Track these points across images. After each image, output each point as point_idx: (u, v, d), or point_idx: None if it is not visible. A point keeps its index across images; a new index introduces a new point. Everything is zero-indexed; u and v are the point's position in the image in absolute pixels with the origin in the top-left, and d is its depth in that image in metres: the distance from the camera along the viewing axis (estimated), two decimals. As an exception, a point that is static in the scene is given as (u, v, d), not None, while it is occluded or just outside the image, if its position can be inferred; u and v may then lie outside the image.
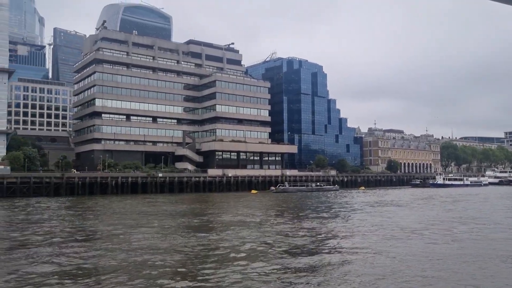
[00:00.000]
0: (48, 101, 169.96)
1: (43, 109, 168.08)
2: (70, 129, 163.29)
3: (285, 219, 40.97)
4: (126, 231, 31.57)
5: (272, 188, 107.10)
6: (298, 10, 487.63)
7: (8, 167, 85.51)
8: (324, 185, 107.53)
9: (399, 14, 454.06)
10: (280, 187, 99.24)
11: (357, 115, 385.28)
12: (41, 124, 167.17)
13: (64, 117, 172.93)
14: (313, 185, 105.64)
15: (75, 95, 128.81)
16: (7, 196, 78.72)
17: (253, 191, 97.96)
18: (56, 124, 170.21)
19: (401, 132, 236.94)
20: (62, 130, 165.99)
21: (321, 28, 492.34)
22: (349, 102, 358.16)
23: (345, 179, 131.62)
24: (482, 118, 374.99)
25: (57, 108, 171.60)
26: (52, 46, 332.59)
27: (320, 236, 29.49)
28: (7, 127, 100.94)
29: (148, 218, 41.77)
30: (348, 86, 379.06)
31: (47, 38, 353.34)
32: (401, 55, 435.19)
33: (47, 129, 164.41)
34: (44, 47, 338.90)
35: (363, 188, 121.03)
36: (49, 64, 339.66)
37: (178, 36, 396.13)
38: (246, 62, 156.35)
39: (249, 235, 29.78)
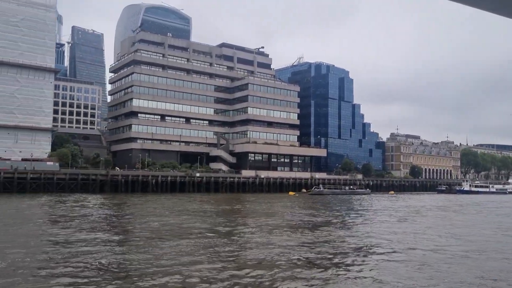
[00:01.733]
0: (77, 99, 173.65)
1: (72, 107, 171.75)
2: (100, 127, 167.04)
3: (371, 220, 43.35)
4: (235, 229, 34.09)
5: (304, 190, 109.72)
6: (314, 14, 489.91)
7: (57, 164, 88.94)
8: (356, 189, 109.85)
9: (416, 20, 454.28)
10: (316, 189, 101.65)
11: (370, 118, 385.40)
12: (70, 121, 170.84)
13: (93, 115, 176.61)
14: (347, 188, 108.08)
15: (111, 95, 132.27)
16: (57, 191, 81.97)
17: (291, 193, 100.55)
18: (85, 122, 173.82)
19: (417, 137, 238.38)
20: (91, 128, 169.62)
21: (336, 32, 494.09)
22: (363, 106, 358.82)
23: (371, 183, 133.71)
24: (497, 125, 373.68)
25: (86, 107, 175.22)
26: (70, 44, 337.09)
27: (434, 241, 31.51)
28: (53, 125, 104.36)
29: (231, 216, 44.39)
30: (361, 89, 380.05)
31: (66, 36, 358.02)
32: (416, 60, 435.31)
33: (76, 127, 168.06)
34: (63, 45, 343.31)
35: (392, 192, 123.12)
36: (67, 62, 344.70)
37: (196, 37, 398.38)
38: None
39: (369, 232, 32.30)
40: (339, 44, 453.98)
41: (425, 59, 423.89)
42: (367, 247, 25.79)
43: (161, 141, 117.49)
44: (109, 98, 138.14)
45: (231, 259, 21.22)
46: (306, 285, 16.58)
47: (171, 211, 48.17)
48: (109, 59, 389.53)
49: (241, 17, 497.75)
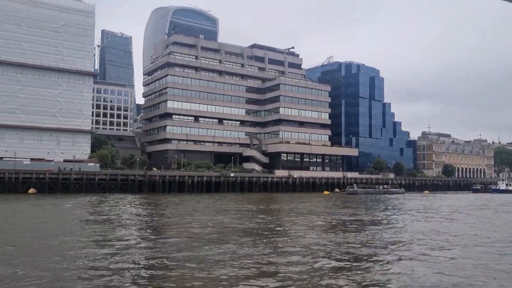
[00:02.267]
0: (110, 101, 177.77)
1: (106, 109, 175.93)
2: (133, 128, 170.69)
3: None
4: (288, 227, 35.18)
5: (337, 190, 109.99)
6: (338, 12, 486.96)
7: (98, 165, 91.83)
8: (390, 188, 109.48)
9: (442, 14, 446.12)
10: (350, 189, 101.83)
11: (397, 116, 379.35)
12: (104, 123, 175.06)
13: (125, 117, 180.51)
14: (381, 187, 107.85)
15: (144, 97, 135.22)
16: (98, 191, 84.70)
17: (325, 192, 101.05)
18: (118, 124, 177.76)
19: (448, 136, 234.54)
20: (123, 129, 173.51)
21: (362, 30, 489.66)
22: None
23: (403, 182, 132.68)
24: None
25: (119, 108, 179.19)
26: (100, 48, 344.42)
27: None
28: (91, 127, 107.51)
29: (278, 215, 45.47)
30: (386, 87, 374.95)
31: (96, 40, 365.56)
32: (443, 55, 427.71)
33: (109, 128, 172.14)
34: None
35: (427, 192, 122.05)
36: (97, 65, 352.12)
37: (223, 38, 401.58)
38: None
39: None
40: (364, 41, 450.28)
41: (453, 54, 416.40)
42: (431, 247, 26.35)
43: (195, 141, 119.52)
44: (142, 100, 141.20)
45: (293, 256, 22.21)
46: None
47: (218, 210, 49.49)
48: (137, 62, 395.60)
49: (266, 17, 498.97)
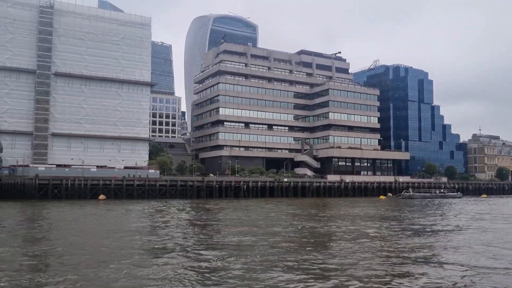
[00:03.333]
0: (159, 109, 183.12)
1: (155, 117, 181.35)
2: (180, 135, 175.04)
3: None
4: (379, 231, 36.23)
5: (389, 194, 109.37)
6: (377, 13, 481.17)
7: (158, 171, 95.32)
8: (447, 192, 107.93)
9: (486, 11, 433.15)
10: (406, 193, 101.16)
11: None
12: (153, 130, 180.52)
13: (174, 124, 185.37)
14: (437, 191, 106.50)
15: (196, 104, 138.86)
16: (159, 197, 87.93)
17: (382, 197, 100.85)
18: (167, 131, 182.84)
19: (497, 137, 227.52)
20: (172, 136, 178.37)
21: (403, 31, 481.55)
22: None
23: (456, 186, 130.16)
24: None
25: (167, 116, 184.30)
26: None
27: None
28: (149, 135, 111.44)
29: (356, 219, 46.49)
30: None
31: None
32: (487, 55, 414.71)
33: (158, 136, 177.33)
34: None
35: (485, 196, 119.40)
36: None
37: (263, 44, 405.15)
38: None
39: None
40: (406, 42, 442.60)
41: (498, 53, 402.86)
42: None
43: (245, 147, 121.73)
44: (190, 108, 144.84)
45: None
46: None
47: (292, 215, 50.87)
48: (176, 70, 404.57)
49: (304, 21, 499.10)
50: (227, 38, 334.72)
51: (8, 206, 62.25)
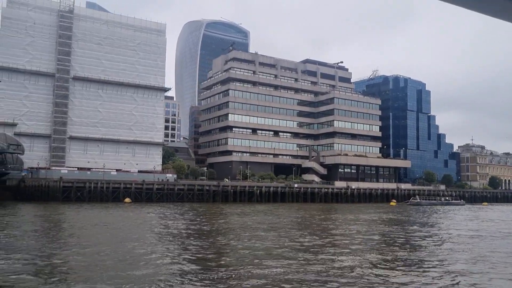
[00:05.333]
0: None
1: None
2: (180, 140, 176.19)
3: None
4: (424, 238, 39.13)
5: (393, 201, 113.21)
6: (368, 22, 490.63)
7: (175, 175, 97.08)
8: (451, 200, 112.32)
9: (476, 21, 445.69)
10: (413, 200, 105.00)
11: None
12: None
13: (174, 129, 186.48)
14: (442, 199, 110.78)
15: (203, 110, 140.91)
16: (177, 201, 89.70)
17: (392, 203, 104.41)
18: (166, 135, 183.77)
19: (482, 147, 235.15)
20: (171, 141, 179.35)
21: (392, 40, 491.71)
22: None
23: (453, 194, 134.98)
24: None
25: (167, 120, 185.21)
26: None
27: None
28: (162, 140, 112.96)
29: (387, 226, 49.44)
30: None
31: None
32: (469, 68, 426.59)
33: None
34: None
35: (486, 203, 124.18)
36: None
37: (254, 49, 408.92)
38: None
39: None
40: (393, 51, 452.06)
41: (479, 68, 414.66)
42: None
43: (252, 153, 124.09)
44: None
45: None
46: None
47: (323, 220, 53.62)
48: (167, 73, 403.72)
49: (295, 28, 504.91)
50: (219, 43, 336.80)
51: (43, 208, 63.39)
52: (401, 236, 37.31)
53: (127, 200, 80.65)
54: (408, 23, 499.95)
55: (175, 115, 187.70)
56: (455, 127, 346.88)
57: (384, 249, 28.96)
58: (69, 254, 24.39)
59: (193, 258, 23.80)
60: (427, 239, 35.52)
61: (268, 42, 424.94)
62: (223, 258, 24.31)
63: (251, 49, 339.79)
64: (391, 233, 39.67)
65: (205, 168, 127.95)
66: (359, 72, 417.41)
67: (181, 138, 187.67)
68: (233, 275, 19.36)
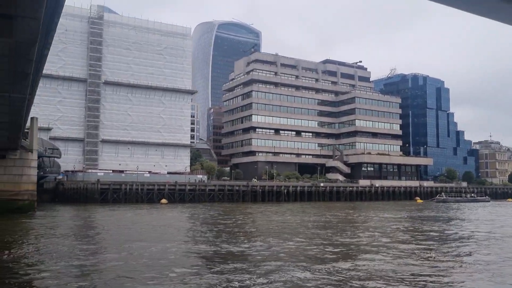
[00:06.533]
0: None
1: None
2: (198, 141, 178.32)
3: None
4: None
5: (417, 198, 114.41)
6: (375, 20, 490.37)
7: (206, 176, 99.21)
8: (476, 197, 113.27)
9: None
10: (439, 197, 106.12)
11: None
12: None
13: (193, 130, 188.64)
14: (468, 196, 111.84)
15: (225, 112, 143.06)
16: (208, 201, 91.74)
17: (419, 200, 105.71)
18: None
19: (497, 143, 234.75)
20: (191, 142, 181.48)
21: (401, 37, 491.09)
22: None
23: (475, 190, 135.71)
24: None
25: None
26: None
27: None
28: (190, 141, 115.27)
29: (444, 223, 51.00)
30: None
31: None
32: (481, 63, 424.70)
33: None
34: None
35: (510, 200, 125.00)
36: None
37: (265, 49, 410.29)
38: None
39: None
40: (404, 48, 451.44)
41: (494, 58, 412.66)
42: None
43: (275, 153, 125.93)
44: (224, 115, 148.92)
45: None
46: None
47: (369, 218, 55.23)
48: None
49: (305, 26, 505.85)
50: (231, 44, 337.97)
51: (90, 209, 65.59)
52: (463, 232, 38.93)
53: (164, 201, 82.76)
54: (418, 21, 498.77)
55: (193, 117, 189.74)
56: (468, 122, 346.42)
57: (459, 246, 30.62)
58: (165, 250, 26.25)
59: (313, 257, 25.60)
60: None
61: (278, 42, 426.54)
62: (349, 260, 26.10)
63: (263, 49, 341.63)
64: (450, 229, 41.28)
65: (228, 168, 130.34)
66: (373, 70, 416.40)
67: (199, 140, 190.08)
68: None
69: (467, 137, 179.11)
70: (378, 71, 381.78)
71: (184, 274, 19.22)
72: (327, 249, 26.56)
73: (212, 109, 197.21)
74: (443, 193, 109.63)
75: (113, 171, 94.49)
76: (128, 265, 21.13)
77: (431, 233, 36.88)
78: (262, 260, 22.39)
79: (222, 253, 25.03)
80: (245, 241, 30.04)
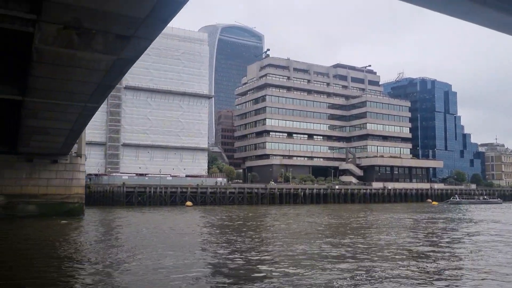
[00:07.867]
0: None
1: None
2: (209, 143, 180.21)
3: None
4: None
5: (429, 200, 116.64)
6: (377, 21, 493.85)
7: (225, 179, 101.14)
8: (489, 199, 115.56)
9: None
10: (453, 199, 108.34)
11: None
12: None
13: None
14: (481, 198, 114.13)
15: (238, 115, 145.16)
16: (228, 203, 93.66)
17: (434, 203, 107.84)
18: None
19: (502, 145, 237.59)
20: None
21: (403, 38, 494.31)
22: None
23: (483, 193, 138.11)
24: None
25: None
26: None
27: None
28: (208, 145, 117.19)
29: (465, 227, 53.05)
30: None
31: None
32: (481, 65, 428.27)
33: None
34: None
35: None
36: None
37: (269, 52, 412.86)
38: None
39: None
40: (405, 50, 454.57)
41: (491, 65, 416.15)
42: None
43: (289, 156, 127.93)
44: (236, 119, 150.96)
45: None
46: None
47: (395, 219, 57.25)
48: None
49: (308, 29, 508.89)
50: (234, 47, 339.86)
51: (119, 212, 67.37)
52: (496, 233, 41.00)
53: (189, 203, 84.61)
54: (422, 25, 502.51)
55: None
56: (472, 124, 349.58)
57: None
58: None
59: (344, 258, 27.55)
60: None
61: (280, 44, 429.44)
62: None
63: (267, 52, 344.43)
64: (491, 232, 43.33)
65: (241, 171, 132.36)
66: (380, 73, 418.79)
67: (210, 143, 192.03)
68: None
69: (473, 139, 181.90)
70: (384, 74, 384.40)
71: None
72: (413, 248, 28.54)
73: (220, 113, 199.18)
74: (457, 196, 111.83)
75: (136, 174, 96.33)
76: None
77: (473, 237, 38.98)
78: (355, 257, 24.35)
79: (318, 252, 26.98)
80: (316, 241, 31.99)
